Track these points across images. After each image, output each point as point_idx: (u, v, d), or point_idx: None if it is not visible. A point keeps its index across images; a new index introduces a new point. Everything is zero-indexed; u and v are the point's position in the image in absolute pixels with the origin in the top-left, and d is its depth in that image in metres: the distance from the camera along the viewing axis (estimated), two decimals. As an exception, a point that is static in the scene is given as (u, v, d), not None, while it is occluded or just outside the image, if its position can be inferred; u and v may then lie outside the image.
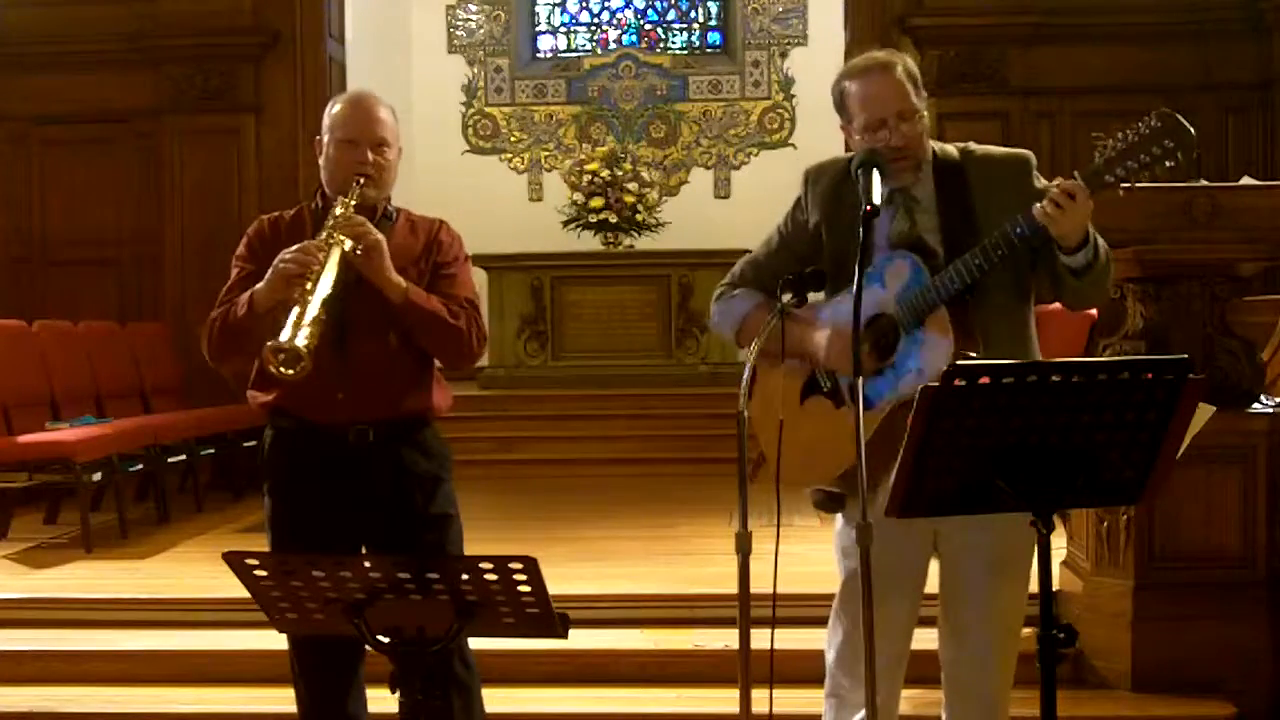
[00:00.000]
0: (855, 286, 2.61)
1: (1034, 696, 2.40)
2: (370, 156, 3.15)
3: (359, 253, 3.03)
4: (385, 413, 3.18)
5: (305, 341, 2.85)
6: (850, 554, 3.03)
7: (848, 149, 3.01)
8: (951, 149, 3.01)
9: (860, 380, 2.56)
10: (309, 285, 2.94)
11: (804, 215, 3.07)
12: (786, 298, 2.78)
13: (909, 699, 3.14)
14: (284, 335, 2.86)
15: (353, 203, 3.10)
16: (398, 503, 3.19)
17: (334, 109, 3.23)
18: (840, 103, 2.97)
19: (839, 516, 3.06)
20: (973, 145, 3.04)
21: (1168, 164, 2.71)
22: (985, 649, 2.98)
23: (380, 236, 3.09)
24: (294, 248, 3.02)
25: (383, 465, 3.18)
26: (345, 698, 3.26)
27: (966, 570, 2.95)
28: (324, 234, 3.04)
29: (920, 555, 3.00)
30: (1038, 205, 2.75)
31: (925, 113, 2.95)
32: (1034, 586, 2.40)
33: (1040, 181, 2.97)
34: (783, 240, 3.12)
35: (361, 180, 3.13)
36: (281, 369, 2.86)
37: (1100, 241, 2.84)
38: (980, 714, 3.01)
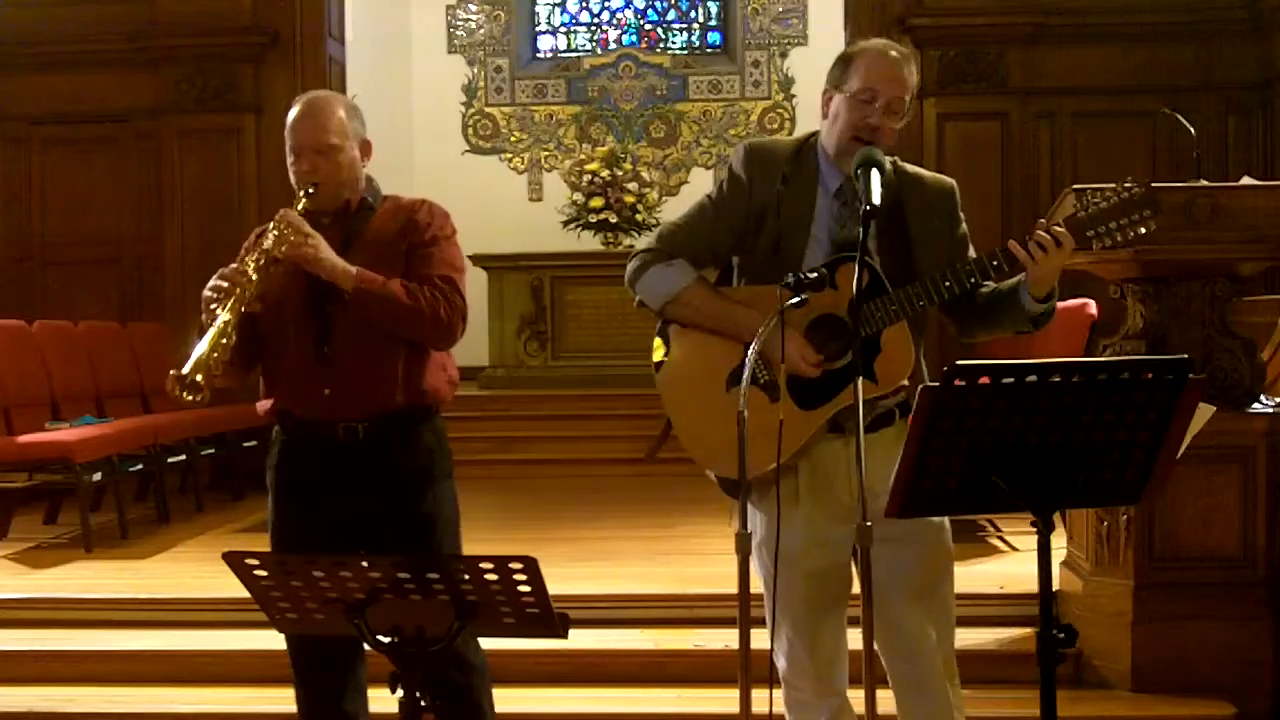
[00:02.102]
0: (856, 283, 2.63)
1: (1034, 696, 2.40)
2: (308, 165, 3.17)
3: (302, 250, 3.05)
4: (373, 409, 3.17)
5: (201, 375, 2.91)
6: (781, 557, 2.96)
7: (823, 115, 2.99)
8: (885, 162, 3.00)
9: (859, 380, 2.56)
10: (216, 310, 3.00)
11: (745, 190, 2.98)
12: (790, 299, 2.76)
13: (886, 699, 3.12)
14: (185, 366, 2.92)
15: (298, 209, 3.13)
16: (390, 501, 3.19)
17: (287, 118, 3.25)
18: (842, 69, 2.92)
19: (758, 519, 2.97)
20: (900, 161, 3.02)
21: (1141, 231, 2.78)
22: (924, 640, 2.96)
23: (312, 240, 3.08)
24: (217, 274, 3.07)
25: (374, 462, 3.18)
26: (342, 697, 3.26)
27: (893, 566, 2.88)
28: (252, 253, 3.09)
29: (846, 558, 2.98)
30: (1014, 242, 2.79)
31: (905, 120, 2.94)
32: (1034, 586, 2.40)
33: (961, 215, 3.02)
34: (718, 211, 3.03)
35: (310, 189, 3.16)
36: (185, 395, 2.92)
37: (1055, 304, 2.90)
38: (932, 705, 2.99)
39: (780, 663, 3.05)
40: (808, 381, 2.87)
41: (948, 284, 2.82)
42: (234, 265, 3.08)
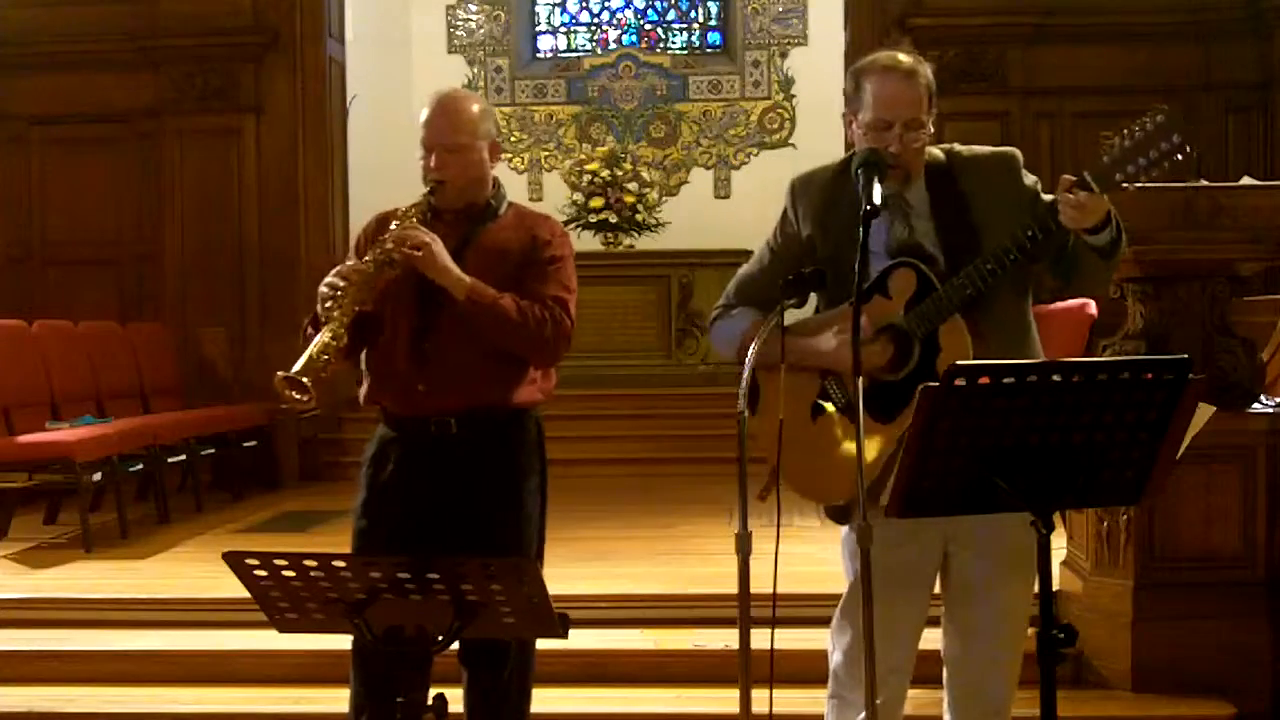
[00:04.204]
0: (855, 285, 2.62)
1: (1034, 696, 2.40)
2: (437, 163, 3.20)
3: (416, 253, 3.08)
4: (464, 405, 3.21)
5: (309, 377, 2.94)
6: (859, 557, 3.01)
7: (847, 139, 2.99)
8: (937, 152, 2.97)
9: (860, 380, 2.56)
10: (333, 309, 3.03)
11: (794, 228, 3.04)
12: (787, 298, 2.75)
13: (910, 699, 3.13)
14: (295, 367, 2.96)
15: (414, 212, 3.17)
16: (477, 497, 3.22)
17: (421, 115, 3.27)
18: (853, 94, 2.92)
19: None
20: (958, 146, 3.01)
21: (1177, 158, 2.65)
22: (993, 648, 2.96)
23: (427, 241, 3.11)
24: (335, 270, 3.11)
25: (463, 459, 3.22)
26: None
27: (975, 570, 2.93)
28: (371, 251, 3.14)
29: (929, 560, 2.97)
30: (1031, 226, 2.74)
31: (931, 128, 2.91)
32: (1034, 586, 2.40)
33: (1029, 177, 2.96)
34: (774, 255, 3.09)
35: (434, 186, 3.20)
36: (292, 394, 2.95)
37: (1118, 220, 2.78)
38: (986, 714, 3.00)
39: (835, 657, 3.05)
40: (882, 392, 2.83)
41: (990, 267, 2.77)
42: (352, 263, 3.13)
